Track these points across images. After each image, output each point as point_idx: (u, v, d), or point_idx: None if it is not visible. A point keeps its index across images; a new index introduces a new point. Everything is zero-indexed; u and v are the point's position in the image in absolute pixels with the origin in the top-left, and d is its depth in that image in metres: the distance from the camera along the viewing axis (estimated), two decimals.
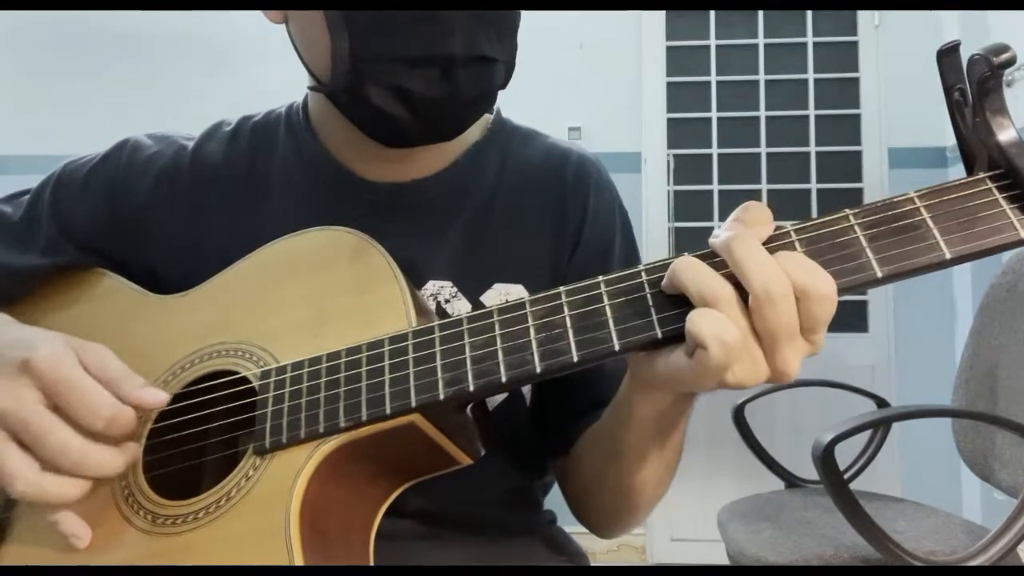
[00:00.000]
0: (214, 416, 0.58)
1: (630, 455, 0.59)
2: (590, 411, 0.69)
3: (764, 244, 0.45)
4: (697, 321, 0.43)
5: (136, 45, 2.90)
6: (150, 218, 0.71)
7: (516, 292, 0.69)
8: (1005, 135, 0.43)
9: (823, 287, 0.42)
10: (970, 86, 0.44)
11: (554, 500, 0.78)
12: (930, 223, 0.44)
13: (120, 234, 0.71)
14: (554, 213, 0.73)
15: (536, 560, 0.71)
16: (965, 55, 0.44)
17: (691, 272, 0.44)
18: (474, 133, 0.74)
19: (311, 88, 0.70)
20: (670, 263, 0.48)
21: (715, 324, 0.42)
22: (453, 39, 0.60)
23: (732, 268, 0.43)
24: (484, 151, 0.74)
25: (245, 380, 0.57)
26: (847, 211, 0.45)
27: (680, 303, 0.46)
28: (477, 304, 0.68)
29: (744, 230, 0.45)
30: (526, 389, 0.70)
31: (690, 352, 0.44)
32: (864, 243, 0.44)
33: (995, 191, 0.43)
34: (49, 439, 0.51)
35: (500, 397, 0.68)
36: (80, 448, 0.51)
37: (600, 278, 0.49)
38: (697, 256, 0.46)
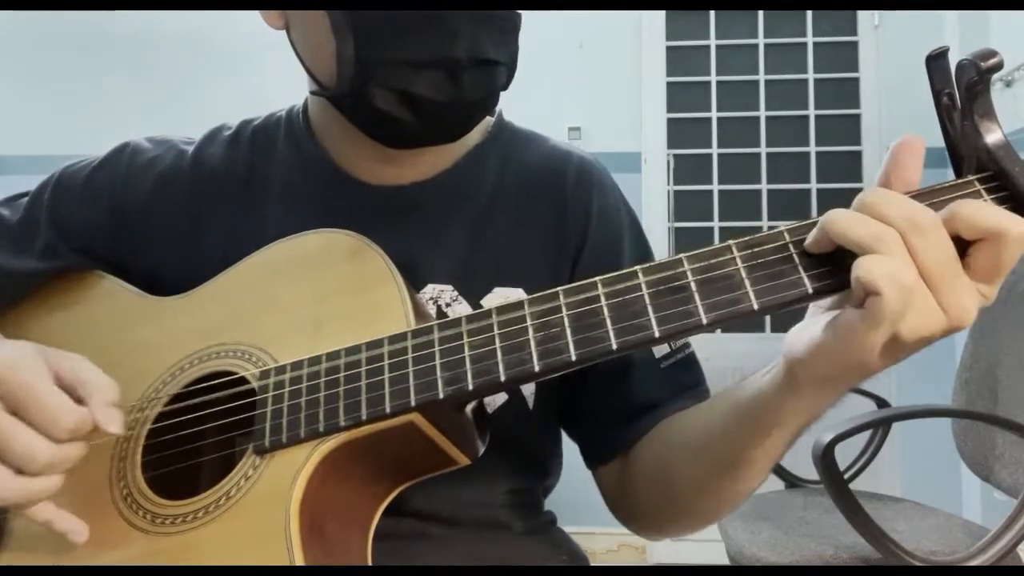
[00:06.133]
0: (213, 416, 0.58)
1: (759, 462, 0.57)
2: (636, 418, 0.68)
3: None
4: (866, 265, 0.41)
5: (138, 46, 2.90)
6: (150, 222, 0.71)
7: (517, 296, 0.69)
8: (993, 137, 0.44)
9: (1007, 220, 0.41)
10: (958, 91, 0.45)
11: (554, 501, 0.78)
12: None
13: (119, 237, 0.71)
14: (555, 216, 0.72)
15: (536, 560, 0.71)
16: (963, 56, 0.44)
17: (847, 220, 0.42)
18: (474, 136, 0.74)
19: (313, 93, 0.70)
20: (663, 264, 0.48)
21: (887, 264, 0.40)
22: (459, 42, 0.60)
23: (873, 216, 0.42)
24: (484, 154, 0.74)
25: (244, 381, 0.57)
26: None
27: (677, 303, 0.46)
28: (478, 308, 0.68)
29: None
30: (528, 392, 0.70)
31: (859, 304, 0.42)
32: None
33: (984, 193, 0.44)
34: (14, 445, 0.50)
35: (501, 399, 0.68)
36: (47, 450, 0.51)
37: (597, 279, 0.49)
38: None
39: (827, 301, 0.48)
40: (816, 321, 0.47)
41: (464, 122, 0.67)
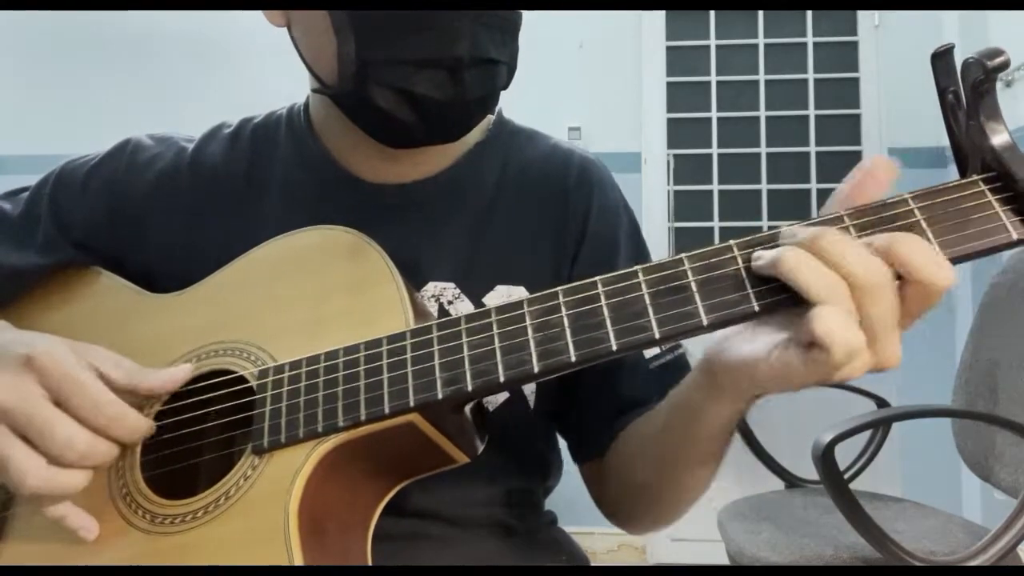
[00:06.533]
0: (212, 415, 0.58)
1: (699, 456, 0.59)
2: (620, 416, 0.69)
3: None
4: (827, 321, 0.40)
5: (137, 45, 2.90)
6: (149, 218, 0.71)
7: (519, 294, 0.69)
8: (998, 138, 0.44)
9: (943, 275, 0.41)
10: (964, 89, 0.45)
11: (554, 501, 0.78)
12: (923, 224, 0.44)
13: (119, 234, 0.71)
14: (556, 214, 0.72)
15: (536, 560, 0.71)
16: (963, 55, 0.44)
17: (799, 264, 0.42)
18: (475, 134, 0.74)
19: (315, 91, 0.70)
20: (664, 263, 0.48)
21: (845, 328, 0.40)
22: (460, 41, 0.60)
23: (828, 265, 0.42)
24: (485, 152, 0.74)
25: (243, 380, 0.57)
26: (842, 212, 0.45)
27: (677, 304, 0.46)
28: (480, 306, 0.68)
29: (823, 229, 0.43)
30: (529, 391, 0.70)
31: (805, 342, 0.42)
32: None
33: (988, 193, 0.44)
34: (56, 432, 0.51)
35: (502, 397, 0.68)
36: (86, 440, 0.51)
37: (597, 278, 0.49)
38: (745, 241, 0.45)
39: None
40: (749, 338, 0.47)
41: (465, 121, 0.67)
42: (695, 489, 0.64)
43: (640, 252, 0.76)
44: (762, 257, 0.44)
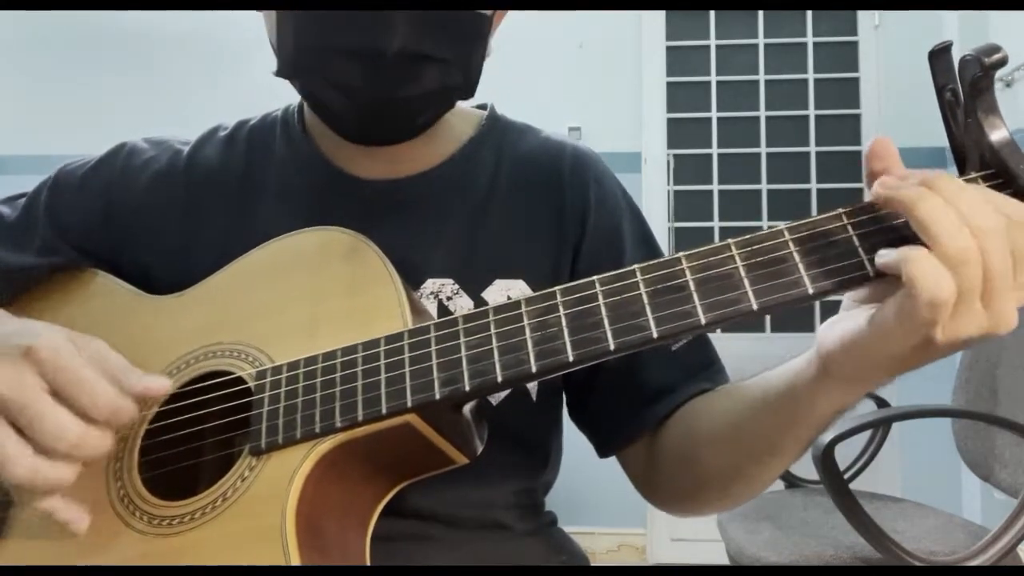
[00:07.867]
0: (210, 416, 0.58)
1: (790, 449, 0.58)
2: (650, 404, 0.68)
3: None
4: (920, 263, 0.40)
5: (136, 45, 2.90)
6: (145, 221, 0.71)
7: (518, 288, 0.69)
8: (997, 135, 0.44)
9: None
10: (962, 86, 0.44)
11: (554, 501, 0.78)
12: None
13: (116, 235, 0.71)
14: (553, 206, 0.72)
15: (536, 561, 0.71)
16: (962, 54, 0.44)
17: (946, 221, 0.40)
18: (468, 130, 0.74)
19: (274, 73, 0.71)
20: (661, 263, 0.48)
21: (936, 271, 0.39)
22: (389, 34, 0.59)
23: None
24: (479, 147, 0.74)
25: (241, 380, 0.57)
26: (840, 210, 0.45)
27: (675, 303, 0.46)
28: (479, 301, 0.68)
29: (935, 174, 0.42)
30: (530, 385, 0.70)
31: (897, 304, 0.41)
32: (856, 243, 0.44)
33: (988, 190, 0.43)
34: (46, 422, 0.50)
35: (503, 392, 0.68)
36: (77, 431, 0.51)
37: (595, 278, 0.49)
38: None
39: (861, 294, 0.47)
40: (850, 315, 0.47)
41: (407, 118, 0.66)
42: (780, 470, 0.62)
43: (643, 232, 0.76)
44: (892, 188, 0.42)
